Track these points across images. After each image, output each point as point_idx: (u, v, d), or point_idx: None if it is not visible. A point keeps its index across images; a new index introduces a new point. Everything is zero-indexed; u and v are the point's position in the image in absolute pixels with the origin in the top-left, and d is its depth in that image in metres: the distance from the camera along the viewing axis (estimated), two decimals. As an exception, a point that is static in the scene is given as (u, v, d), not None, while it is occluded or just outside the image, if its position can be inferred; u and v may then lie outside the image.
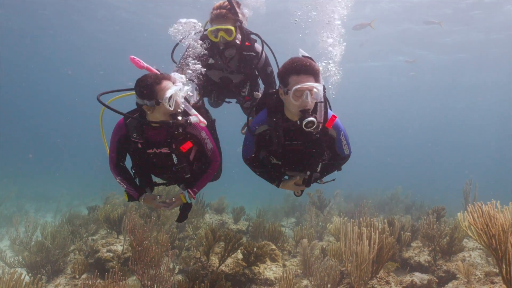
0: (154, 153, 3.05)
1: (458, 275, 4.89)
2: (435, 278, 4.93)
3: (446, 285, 4.78)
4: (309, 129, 2.68)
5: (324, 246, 6.70)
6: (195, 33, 3.67)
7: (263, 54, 3.88)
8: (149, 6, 17.36)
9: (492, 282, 4.10)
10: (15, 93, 40.46)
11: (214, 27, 3.55)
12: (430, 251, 5.57)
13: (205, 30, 3.78)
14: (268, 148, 3.16)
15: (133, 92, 2.91)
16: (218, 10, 3.58)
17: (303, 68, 2.64)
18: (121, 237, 6.38)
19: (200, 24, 3.69)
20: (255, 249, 5.51)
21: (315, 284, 4.89)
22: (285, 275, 4.62)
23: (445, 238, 5.62)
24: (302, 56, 2.80)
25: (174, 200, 3.21)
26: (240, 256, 5.52)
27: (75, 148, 47.78)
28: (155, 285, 4.58)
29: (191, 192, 3.22)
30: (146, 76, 2.82)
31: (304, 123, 2.65)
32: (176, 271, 5.91)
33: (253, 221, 8.55)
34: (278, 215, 12.02)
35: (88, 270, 5.41)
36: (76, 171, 27.38)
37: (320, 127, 2.81)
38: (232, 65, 3.87)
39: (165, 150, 3.04)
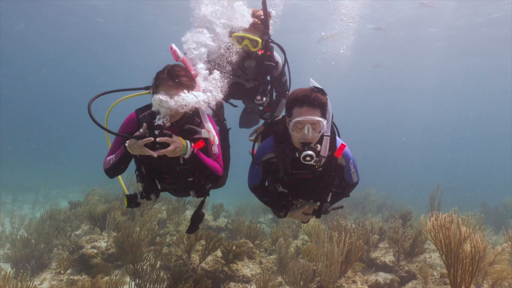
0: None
1: (417, 275, 5.39)
2: (397, 278, 5.41)
3: (406, 284, 5.27)
4: (307, 162, 2.64)
5: (298, 245, 7.13)
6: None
7: (281, 64, 3.84)
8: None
9: (445, 283, 4.58)
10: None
11: (241, 33, 3.43)
12: (395, 253, 6.07)
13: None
14: (274, 176, 3.09)
15: (142, 92, 2.83)
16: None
17: (307, 100, 2.60)
18: (104, 233, 6.61)
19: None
20: (234, 247, 5.87)
21: (289, 281, 5.28)
22: (261, 277, 4.98)
23: (409, 240, 6.11)
24: (313, 86, 2.72)
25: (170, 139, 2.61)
26: (219, 254, 5.86)
27: (56, 140, 46.98)
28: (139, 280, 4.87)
29: (191, 144, 2.73)
30: (174, 66, 2.67)
31: (301, 156, 2.62)
32: (157, 266, 6.20)
33: (232, 218, 8.90)
34: (256, 211, 12.41)
35: (72, 266, 5.64)
36: (52, 161, 27.02)
37: (323, 161, 2.76)
38: (249, 73, 3.80)
39: None
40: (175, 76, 2.57)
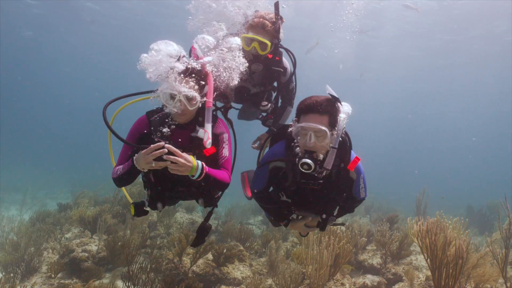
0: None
1: (404, 278, 5.53)
2: (384, 280, 5.55)
3: (393, 286, 5.40)
4: (305, 171, 2.53)
5: (288, 247, 7.23)
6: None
7: (289, 70, 3.70)
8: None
9: (430, 286, 4.72)
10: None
11: (251, 35, 3.30)
12: (382, 255, 6.21)
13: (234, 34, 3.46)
14: (280, 184, 2.96)
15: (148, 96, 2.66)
16: (261, 19, 3.34)
17: (315, 107, 2.50)
18: (95, 236, 6.61)
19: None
20: (225, 250, 5.95)
21: (278, 283, 5.37)
22: (253, 281, 5.06)
23: (396, 243, 6.26)
24: (329, 94, 2.59)
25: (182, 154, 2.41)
26: (210, 257, 5.92)
27: (44, 140, 46.38)
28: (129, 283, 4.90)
29: (203, 164, 2.52)
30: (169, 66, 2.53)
31: (300, 163, 2.51)
32: (148, 269, 6.24)
33: (223, 220, 8.96)
34: (246, 213, 12.49)
35: (63, 270, 5.64)
36: (41, 163, 26.66)
37: (325, 172, 2.63)
38: (256, 78, 3.65)
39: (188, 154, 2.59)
40: (185, 71, 2.49)
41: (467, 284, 4.70)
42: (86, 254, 5.87)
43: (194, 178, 2.48)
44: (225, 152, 2.82)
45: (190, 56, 2.70)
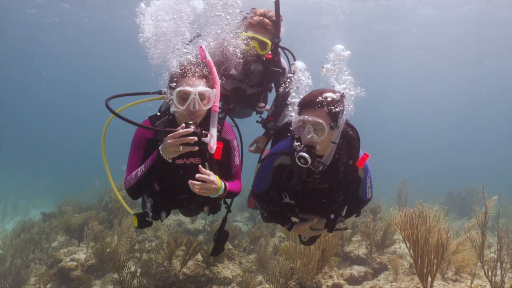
0: (184, 164, 2.54)
1: (389, 266, 5.73)
2: (370, 270, 5.74)
3: (379, 275, 5.59)
4: (303, 165, 2.43)
5: (276, 243, 7.36)
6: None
7: (287, 70, 3.59)
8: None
9: (414, 273, 4.92)
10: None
11: (250, 34, 3.18)
12: (367, 245, 6.39)
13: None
14: (284, 184, 2.79)
15: (155, 97, 2.64)
16: (261, 18, 3.23)
17: (315, 99, 2.44)
18: (82, 244, 6.58)
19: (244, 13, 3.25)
20: (214, 250, 6.02)
21: (268, 279, 5.48)
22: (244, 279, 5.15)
23: (380, 232, 6.46)
24: (333, 87, 2.54)
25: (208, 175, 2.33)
26: (200, 258, 5.99)
27: (25, 147, 45.19)
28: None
29: (226, 184, 2.49)
30: (186, 64, 2.51)
31: (296, 156, 2.42)
32: (138, 274, 6.25)
33: (210, 219, 9.02)
34: (232, 210, 12.54)
35: (52, 280, 5.60)
36: (19, 169, 26.02)
37: (321, 168, 2.50)
38: (253, 78, 3.53)
39: (196, 160, 2.56)
40: (195, 71, 2.47)
41: (448, 269, 4.92)
42: (75, 263, 5.84)
43: (214, 196, 2.42)
44: (237, 160, 2.78)
45: (196, 56, 2.67)
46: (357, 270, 5.67)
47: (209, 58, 2.61)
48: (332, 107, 2.43)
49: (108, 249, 5.86)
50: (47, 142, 47.88)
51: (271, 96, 3.91)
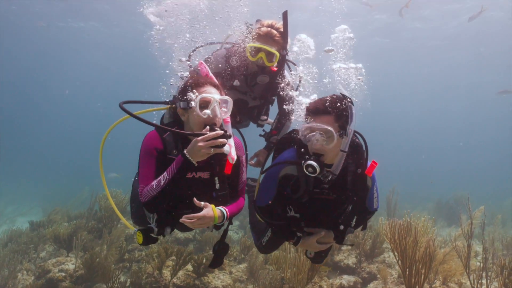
0: (192, 178, 2.46)
1: (378, 276, 5.78)
2: (359, 279, 5.79)
3: (368, 285, 5.65)
4: (311, 174, 2.35)
5: (266, 252, 7.37)
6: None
7: (291, 84, 3.49)
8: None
9: (402, 283, 4.98)
10: None
11: (258, 45, 3.12)
12: (357, 255, 6.45)
13: (234, 43, 3.40)
14: (289, 196, 2.66)
15: (165, 106, 2.60)
16: (269, 29, 3.17)
17: (322, 106, 2.38)
18: (71, 254, 6.51)
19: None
20: (204, 260, 6.01)
21: (259, 289, 5.50)
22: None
23: (369, 241, 6.52)
24: (341, 94, 2.47)
25: (202, 211, 2.31)
26: (190, 268, 5.97)
27: (12, 153, 44.52)
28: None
29: (226, 211, 2.45)
30: (197, 74, 2.51)
31: (304, 165, 2.34)
32: (128, 284, 6.21)
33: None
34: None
35: (40, 291, 5.55)
36: (4, 175, 25.63)
37: (331, 177, 2.42)
38: (256, 90, 3.47)
39: (205, 174, 2.49)
40: (208, 80, 2.47)
41: (436, 279, 5.00)
42: (63, 274, 5.79)
43: (216, 224, 2.40)
44: (244, 176, 2.74)
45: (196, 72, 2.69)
46: (346, 279, 5.72)
47: (211, 74, 2.60)
48: (341, 114, 2.36)
49: (98, 259, 5.82)
50: (34, 149, 47.22)
51: (273, 110, 3.86)
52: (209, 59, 3.31)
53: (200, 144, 2.20)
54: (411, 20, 17.02)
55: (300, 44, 3.06)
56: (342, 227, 2.65)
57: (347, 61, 2.79)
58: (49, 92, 38.70)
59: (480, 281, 4.03)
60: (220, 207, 2.42)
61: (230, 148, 2.39)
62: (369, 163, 2.53)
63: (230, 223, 2.77)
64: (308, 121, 2.42)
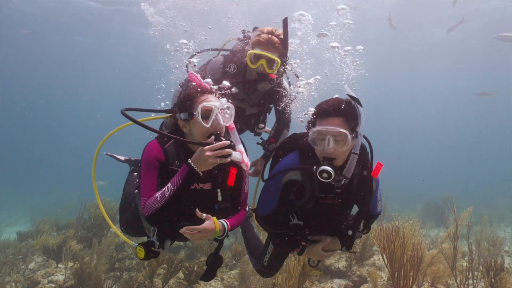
0: (194, 189, 2.40)
1: (368, 279, 5.85)
2: (350, 283, 5.85)
3: (358, 288, 5.72)
4: (325, 180, 2.24)
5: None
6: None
7: (289, 91, 3.48)
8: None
9: (391, 286, 5.04)
10: None
11: (259, 51, 3.05)
12: (347, 258, 6.51)
13: (232, 50, 3.37)
14: (293, 203, 2.56)
15: (166, 115, 2.53)
16: (270, 36, 3.11)
17: (333, 109, 2.27)
18: (60, 265, 6.45)
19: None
20: (195, 267, 6.01)
21: (250, 296, 5.52)
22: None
23: (359, 244, 6.59)
24: (348, 95, 2.35)
25: (204, 223, 2.26)
26: (181, 275, 5.96)
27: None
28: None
29: (228, 224, 2.39)
30: (191, 87, 2.44)
31: (318, 171, 2.23)
32: (119, 294, 6.18)
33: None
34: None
35: (29, 304, 5.49)
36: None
37: (344, 181, 2.32)
38: (254, 97, 3.42)
39: (206, 186, 2.43)
40: (210, 90, 2.43)
41: (424, 281, 5.08)
42: (53, 285, 5.73)
43: (217, 237, 2.35)
44: (246, 187, 2.65)
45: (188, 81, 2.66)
46: (337, 283, 5.77)
47: (205, 83, 2.52)
48: (351, 116, 2.29)
49: (88, 269, 5.77)
50: (21, 158, 46.52)
51: (269, 118, 3.83)
52: (205, 67, 3.29)
53: (208, 153, 2.19)
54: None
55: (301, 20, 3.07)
56: (350, 232, 2.59)
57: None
58: (31, 100, 38.16)
59: (466, 282, 4.11)
60: (221, 220, 2.36)
61: (242, 155, 2.36)
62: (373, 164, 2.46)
63: (226, 235, 2.62)
64: (317, 124, 2.31)
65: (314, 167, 2.27)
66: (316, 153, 2.36)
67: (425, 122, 47.73)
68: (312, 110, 2.53)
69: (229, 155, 2.24)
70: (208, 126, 2.27)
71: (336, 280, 5.91)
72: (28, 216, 13.07)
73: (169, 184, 2.25)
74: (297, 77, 3.39)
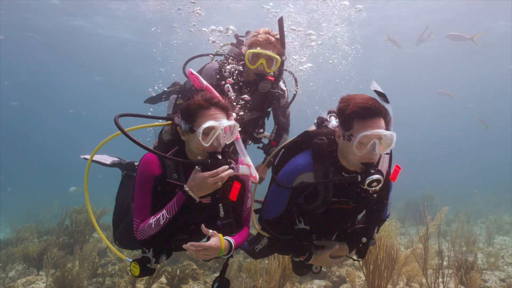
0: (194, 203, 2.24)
1: (347, 279, 6.00)
2: (330, 283, 5.99)
3: (338, 288, 5.87)
4: (372, 188, 2.11)
5: (240, 259, 7.48)
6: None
7: (287, 93, 3.43)
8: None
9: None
10: None
11: (258, 50, 2.97)
12: (327, 259, 6.67)
13: (227, 52, 3.31)
14: (301, 206, 2.39)
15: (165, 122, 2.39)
16: (267, 35, 3.06)
17: (374, 109, 2.05)
18: (41, 273, 6.41)
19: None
20: (178, 272, 6.06)
21: (233, 299, 5.60)
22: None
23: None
24: (374, 90, 2.23)
25: (210, 240, 2.12)
26: (164, 280, 6.01)
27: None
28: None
29: (234, 242, 2.23)
30: (203, 93, 2.25)
31: (367, 182, 2.07)
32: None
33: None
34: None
35: (9, 313, 5.45)
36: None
37: (379, 186, 2.15)
38: (254, 99, 3.30)
39: (206, 199, 2.26)
40: (216, 102, 2.23)
41: (399, 280, 5.26)
42: (34, 294, 5.71)
43: (221, 256, 2.21)
44: (249, 202, 2.50)
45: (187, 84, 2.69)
46: (317, 284, 5.91)
47: (205, 83, 2.42)
48: (387, 114, 2.13)
49: (70, 276, 5.76)
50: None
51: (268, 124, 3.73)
52: (199, 73, 3.17)
53: (210, 180, 2.09)
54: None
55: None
56: (364, 239, 2.48)
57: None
58: (18, 100, 37.37)
59: (437, 281, 4.30)
60: (227, 237, 2.22)
61: (250, 168, 2.26)
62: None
63: (231, 255, 2.44)
64: (355, 126, 2.07)
65: (359, 176, 2.11)
66: (352, 157, 2.14)
67: (408, 114, 48.50)
68: (333, 109, 2.40)
69: (228, 175, 2.16)
70: (207, 145, 2.14)
71: (316, 281, 6.04)
72: (7, 223, 12.86)
73: (164, 211, 2.15)
74: (296, 81, 3.39)
